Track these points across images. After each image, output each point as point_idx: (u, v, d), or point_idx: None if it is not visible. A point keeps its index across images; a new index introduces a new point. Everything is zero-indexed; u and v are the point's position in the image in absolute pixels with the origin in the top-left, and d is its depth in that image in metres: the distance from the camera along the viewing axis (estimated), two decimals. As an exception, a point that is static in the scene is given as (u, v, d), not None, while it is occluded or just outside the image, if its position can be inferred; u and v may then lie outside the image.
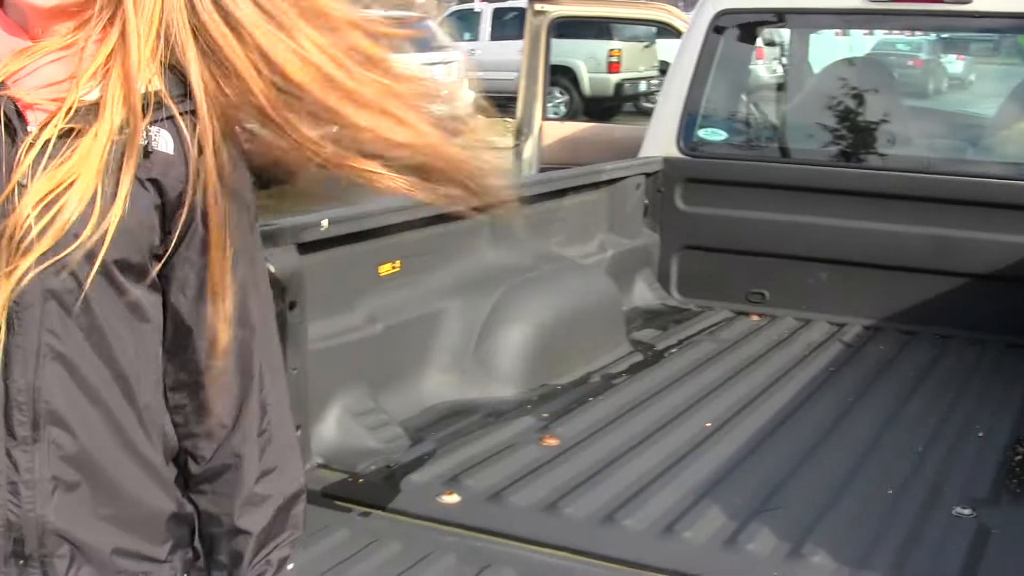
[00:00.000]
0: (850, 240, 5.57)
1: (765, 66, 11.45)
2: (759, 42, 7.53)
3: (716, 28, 5.96)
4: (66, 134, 1.54)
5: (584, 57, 20.83)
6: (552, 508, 3.44)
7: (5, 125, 1.54)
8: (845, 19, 6.06)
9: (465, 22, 24.80)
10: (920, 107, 7.63)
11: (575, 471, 3.71)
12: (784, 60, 7.08)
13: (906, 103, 6.46)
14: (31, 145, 1.53)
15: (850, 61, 6.62)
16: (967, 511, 3.46)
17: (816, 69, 6.91)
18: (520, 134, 7.50)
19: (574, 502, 3.47)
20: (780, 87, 7.05)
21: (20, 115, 1.56)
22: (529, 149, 7.44)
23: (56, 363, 1.57)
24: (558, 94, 20.58)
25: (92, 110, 1.55)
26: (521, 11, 7.63)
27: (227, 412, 1.75)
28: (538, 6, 7.34)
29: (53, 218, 1.51)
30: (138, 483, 1.68)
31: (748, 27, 6.23)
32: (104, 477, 1.64)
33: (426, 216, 4.22)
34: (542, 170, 7.18)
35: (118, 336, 1.61)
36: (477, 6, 24.86)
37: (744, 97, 6.45)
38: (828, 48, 7.72)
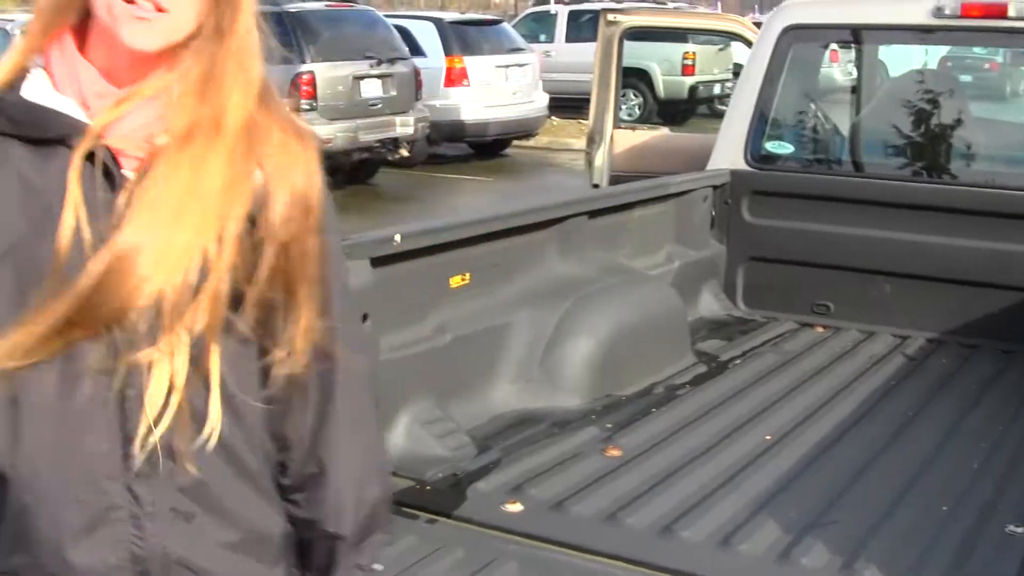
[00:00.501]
0: (914, 253, 5.60)
1: (840, 69, 11.40)
2: (833, 44, 7.56)
3: (783, 43, 6.01)
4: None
5: (659, 60, 20.84)
6: (612, 518, 3.53)
7: (104, 173, 1.59)
8: (910, 35, 6.08)
9: (541, 24, 24.91)
10: (988, 119, 7.55)
11: (637, 482, 3.80)
12: (853, 69, 7.10)
13: (975, 115, 6.44)
14: (131, 191, 1.59)
15: (917, 74, 6.63)
16: (1020, 529, 3.51)
17: (893, 72, 6.90)
18: (592, 142, 7.59)
19: (634, 513, 3.56)
20: (847, 99, 7.07)
21: (116, 162, 1.61)
22: (600, 157, 7.52)
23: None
24: (632, 96, 20.62)
25: None
26: (597, 14, 7.70)
27: (307, 423, 1.78)
28: (611, 16, 7.43)
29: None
30: (251, 506, 1.74)
31: (815, 43, 6.27)
32: (220, 504, 1.69)
33: (496, 230, 4.35)
34: (613, 178, 7.28)
35: (225, 360, 1.65)
36: (553, 8, 24.93)
37: (811, 110, 6.49)
38: (904, 52, 7.68)
